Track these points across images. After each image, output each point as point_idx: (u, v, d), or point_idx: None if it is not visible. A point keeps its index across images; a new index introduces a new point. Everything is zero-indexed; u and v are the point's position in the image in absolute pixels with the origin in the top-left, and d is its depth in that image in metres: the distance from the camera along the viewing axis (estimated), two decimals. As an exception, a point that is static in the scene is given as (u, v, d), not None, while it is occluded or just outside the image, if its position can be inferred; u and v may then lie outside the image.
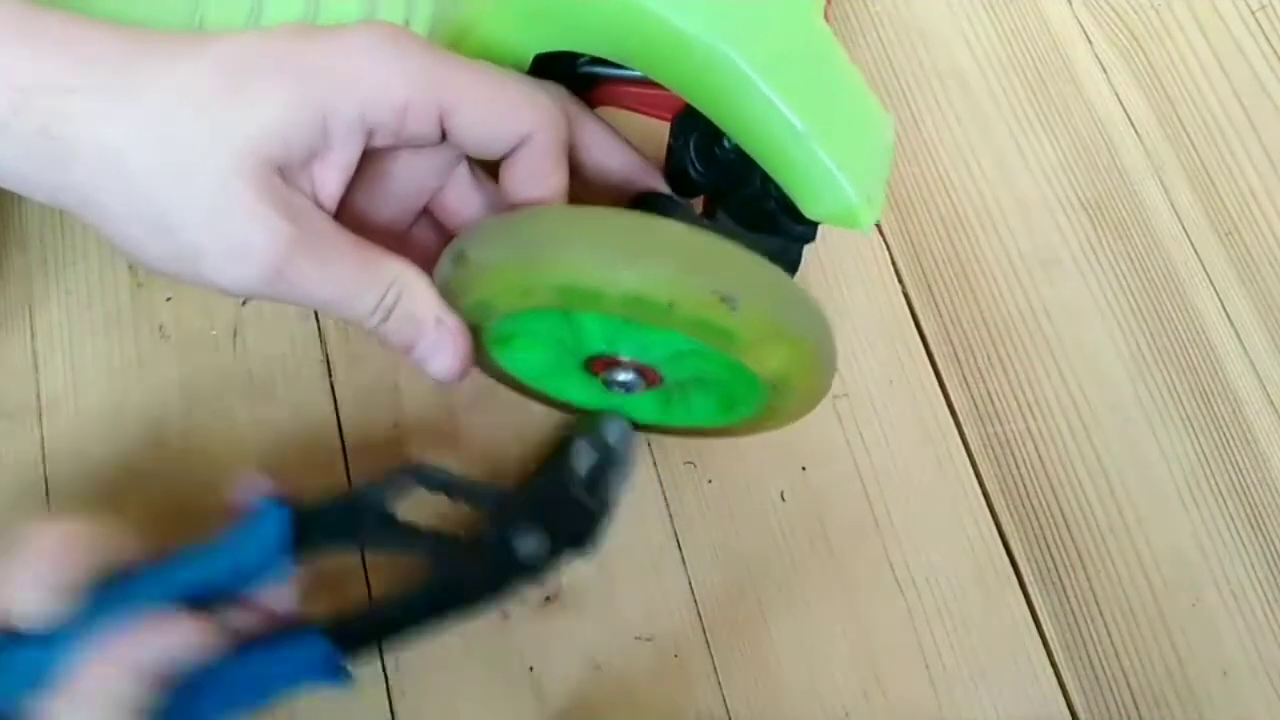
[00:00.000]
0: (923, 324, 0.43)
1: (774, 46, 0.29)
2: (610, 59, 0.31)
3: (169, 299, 0.41)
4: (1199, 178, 0.46)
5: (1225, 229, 0.45)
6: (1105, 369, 0.43)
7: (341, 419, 0.40)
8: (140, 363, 0.40)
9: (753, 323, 0.27)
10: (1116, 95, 0.47)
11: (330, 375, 0.40)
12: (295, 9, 0.38)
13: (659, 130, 0.36)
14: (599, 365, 0.33)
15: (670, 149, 0.35)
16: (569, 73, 0.36)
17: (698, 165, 0.35)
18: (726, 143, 0.33)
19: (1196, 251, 0.45)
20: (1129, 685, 0.38)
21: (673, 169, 0.35)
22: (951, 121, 0.46)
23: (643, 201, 0.35)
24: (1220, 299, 0.44)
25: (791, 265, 0.35)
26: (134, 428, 0.39)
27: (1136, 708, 0.38)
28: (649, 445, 0.40)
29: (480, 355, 0.34)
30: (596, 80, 0.36)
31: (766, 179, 0.31)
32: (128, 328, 0.40)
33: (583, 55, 0.35)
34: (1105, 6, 0.48)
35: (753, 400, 0.32)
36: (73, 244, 0.41)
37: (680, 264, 0.27)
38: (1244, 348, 0.43)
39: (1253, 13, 0.48)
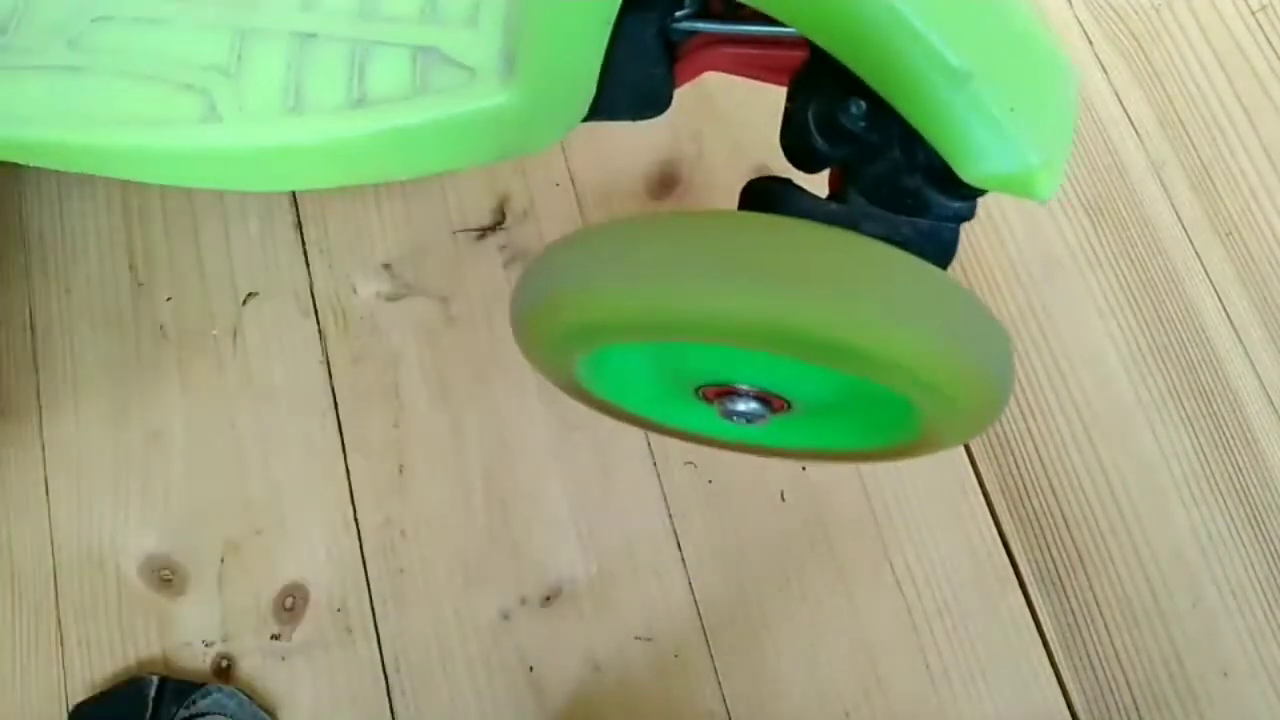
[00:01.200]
0: (923, 324, 0.43)
1: None
2: None
3: (169, 299, 0.41)
4: (1199, 178, 0.46)
5: (1225, 229, 0.45)
6: (1105, 369, 0.43)
7: (341, 419, 0.40)
8: (140, 362, 0.40)
9: (937, 363, 0.23)
10: (1116, 95, 0.47)
11: (330, 375, 0.40)
12: (342, 26, 0.35)
13: (769, 98, 0.30)
14: (712, 393, 0.28)
15: (787, 118, 0.29)
16: (661, 28, 0.29)
17: (821, 135, 0.28)
18: (854, 107, 0.27)
19: (1196, 251, 0.45)
20: (1129, 685, 0.38)
21: (791, 142, 0.29)
22: (951, 121, 0.46)
23: (757, 191, 0.29)
24: (1220, 299, 0.44)
25: (944, 250, 0.28)
26: (134, 427, 0.39)
27: (1136, 708, 0.38)
28: (649, 445, 0.40)
29: (569, 382, 0.29)
30: (694, 37, 0.29)
31: (910, 146, 0.26)
32: (128, 328, 0.40)
33: (681, 6, 0.29)
34: (1105, 6, 0.48)
35: (904, 427, 0.28)
36: (73, 244, 0.41)
37: (884, 308, 0.22)
38: (1244, 348, 0.43)
39: (1253, 13, 0.48)
